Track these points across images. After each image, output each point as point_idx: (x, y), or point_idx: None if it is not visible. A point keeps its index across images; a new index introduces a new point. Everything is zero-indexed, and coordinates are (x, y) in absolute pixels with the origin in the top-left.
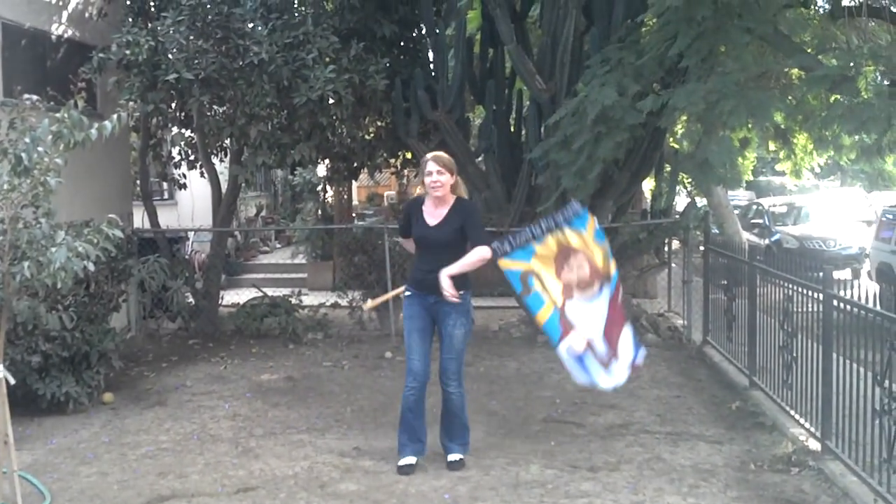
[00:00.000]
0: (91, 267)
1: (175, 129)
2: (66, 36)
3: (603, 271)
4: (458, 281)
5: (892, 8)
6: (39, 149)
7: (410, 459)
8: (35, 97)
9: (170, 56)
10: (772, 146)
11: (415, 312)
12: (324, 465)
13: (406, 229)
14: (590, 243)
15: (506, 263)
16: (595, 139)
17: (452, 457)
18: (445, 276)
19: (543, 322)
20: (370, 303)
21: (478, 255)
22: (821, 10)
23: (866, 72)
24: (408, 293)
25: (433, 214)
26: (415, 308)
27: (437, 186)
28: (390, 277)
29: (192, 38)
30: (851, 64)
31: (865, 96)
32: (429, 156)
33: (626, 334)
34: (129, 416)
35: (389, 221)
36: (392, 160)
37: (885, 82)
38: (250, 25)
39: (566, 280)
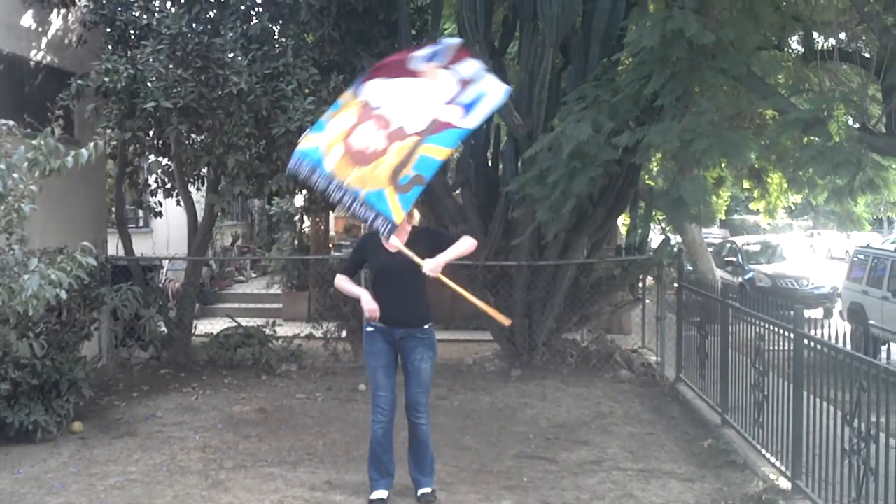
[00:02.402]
0: (63, 294)
1: (152, 157)
2: (44, 62)
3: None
4: (422, 314)
5: (863, 53)
6: (14, 175)
7: (381, 494)
8: (11, 123)
9: (149, 84)
10: (746, 185)
11: (379, 349)
12: (294, 500)
13: (353, 265)
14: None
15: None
16: (570, 174)
17: (423, 490)
18: (435, 262)
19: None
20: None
21: (466, 242)
22: (794, 53)
23: (838, 115)
24: (370, 329)
25: (392, 245)
26: (379, 344)
27: None
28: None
29: (171, 66)
30: (824, 106)
31: (837, 139)
32: None
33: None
34: (99, 445)
35: None
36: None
37: (856, 125)
38: (230, 55)
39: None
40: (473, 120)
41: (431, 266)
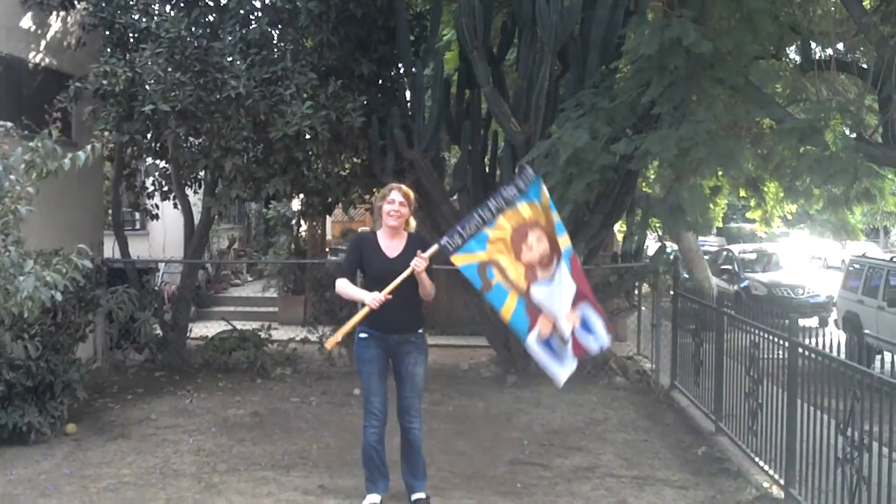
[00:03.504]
0: (59, 296)
1: (149, 160)
2: (43, 64)
3: (559, 243)
4: (415, 320)
5: (860, 63)
6: (11, 177)
7: (375, 499)
8: (9, 124)
9: (147, 87)
10: (742, 193)
11: (373, 355)
12: (287, 503)
13: (352, 265)
14: (544, 213)
15: (460, 259)
16: (567, 180)
17: (417, 496)
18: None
19: (509, 318)
20: (332, 340)
21: (430, 288)
22: (791, 63)
23: (835, 125)
24: (363, 335)
25: (390, 247)
26: (373, 350)
27: (395, 215)
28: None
29: (169, 70)
30: (820, 116)
31: (833, 149)
32: (394, 185)
33: (585, 313)
34: (92, 448)
35: None
36: (367, 197)
37: (853, 135)
38: (229, 59)
39: (527, 261)
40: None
41: (418, 264)
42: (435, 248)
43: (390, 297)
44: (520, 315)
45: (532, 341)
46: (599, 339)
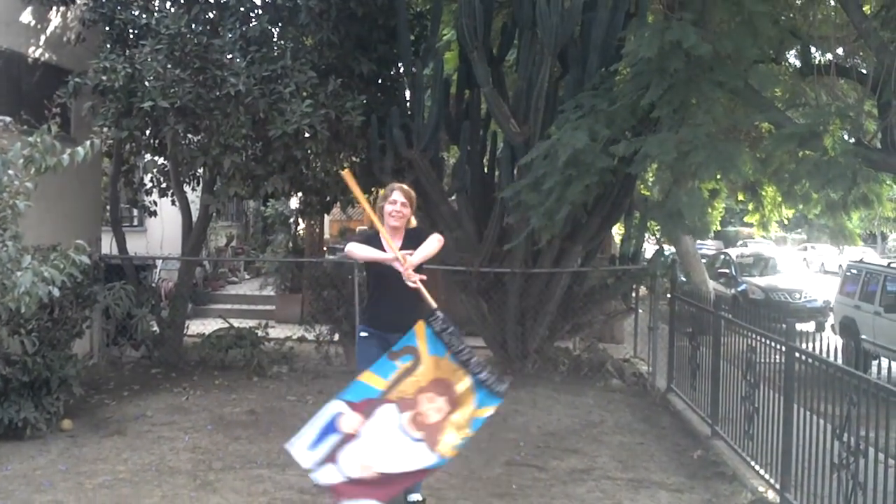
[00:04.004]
0: (56, 292)
1: (148, 157)
2: (42, 59)
3: (440, 443)
4: (417, 319)
5: (860, 69)
6: (10, 172)
7: None
8: (8, 119)
9: (146, 83)
10: (740, 197)
11: (374, 354)
12: (282, 502)
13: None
14: (467, 410)
15: (419, 330)
16: (565, 181)
17: (414, 497)
18: (411, 263)
19: (360, 379)
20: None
21: (434, 240)
22: (791, 67)
23: (833, 129)
24: (364, 333)
25: (391, 247)
26: (374, 349)
27: (397, 216)
28: (359, 313)
29: (169, 66)
30: (820, 121)
31: (832, 153)
32: (396, 185)
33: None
34: (88, 444)
35: None
36: (365, 196)
37: (852, 140)
38: (229, 57)
39: (414, 402)
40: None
41: (408, 271)
42: (433, 243)
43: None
44: (361, 389)
45: (329, 409)
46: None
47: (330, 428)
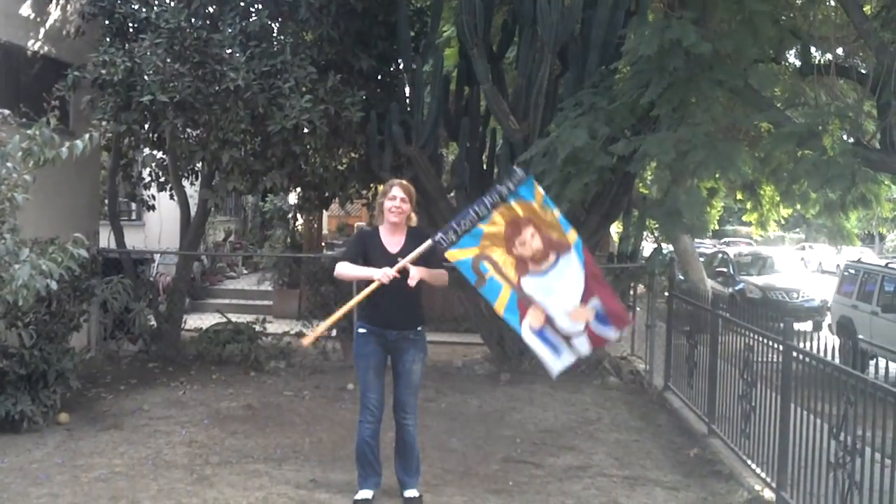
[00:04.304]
0: (54, 285)
1: (147, 151)
2: (42, 52)
3: (557, 239)
4: (415, 317)
5: (859, 69)
6: (8, 164)
7: (367, 494)
8: (7, 112)
9: (145, 77)
10: (738, 196)
11: (371, 350)
12: (279, 497)
13: (354, 256)
14: (539, 212)
15: (454, 254)
16: (564, 179)
17: (410, 492)
18: (414, 267)
19: (503, 311)
20: (308, 339)
21: (443, 274)
22: (791, 67)
23: (833, 129)
24: (362, 330)
25: (392, 243)
26: (371, 346)
27: (397, 212)
28: (357, 310)
29: (168, 60)
30: (819, 121)
31: (831, 153)
32: (395, 181)
33: (593, 306)
34: (84, 437)
35: None
36: (364, 192)
37: (851, 140)
38: (228, 51)
39: (518, 255)
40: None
41: (414, 272)
42: (429, 243)
43: (398, 275)
44: (512, 307)
45: (525, 332)
46: (612, 330)
47: (542, 336)
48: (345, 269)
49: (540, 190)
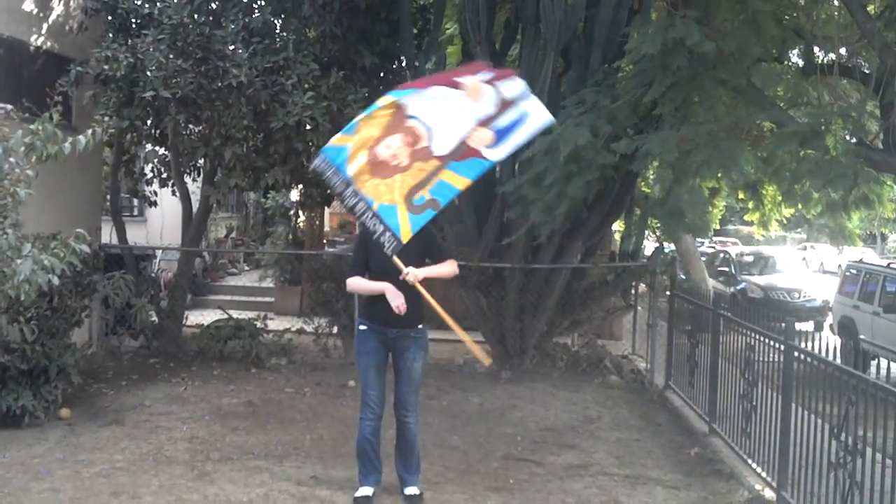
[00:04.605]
0: (55, 280)
1: (149, 147)
2: (44, 48)
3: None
4: (416, 315)
5: (862, 69)
6: (11, 159)
7: (367, 491)
8: (10, 107)
9: (148, 73)
10: (740, 196)
11: (372, 348)
12: (280, 493)
13: (360, 264)
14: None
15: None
16: (566, 177)
17: (410, 490)
18: (416, 272)
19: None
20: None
21: (449, 267)
22: (794, 66)
23: (835, 129)
24: (363, 327)
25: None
26: (372, 343)
27: None
28: (358, 306)
29: (171, 56)
30: (821, 121)
31: (834, 153)
32: None
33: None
34: (85, 433)
35: None
36: None
37: (853, 140)
38: (231, 48)
39: (375, 157)
40: (502, 151)
41: (413, 275)
42: (430, 271)
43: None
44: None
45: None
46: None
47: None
48: (355, 285)
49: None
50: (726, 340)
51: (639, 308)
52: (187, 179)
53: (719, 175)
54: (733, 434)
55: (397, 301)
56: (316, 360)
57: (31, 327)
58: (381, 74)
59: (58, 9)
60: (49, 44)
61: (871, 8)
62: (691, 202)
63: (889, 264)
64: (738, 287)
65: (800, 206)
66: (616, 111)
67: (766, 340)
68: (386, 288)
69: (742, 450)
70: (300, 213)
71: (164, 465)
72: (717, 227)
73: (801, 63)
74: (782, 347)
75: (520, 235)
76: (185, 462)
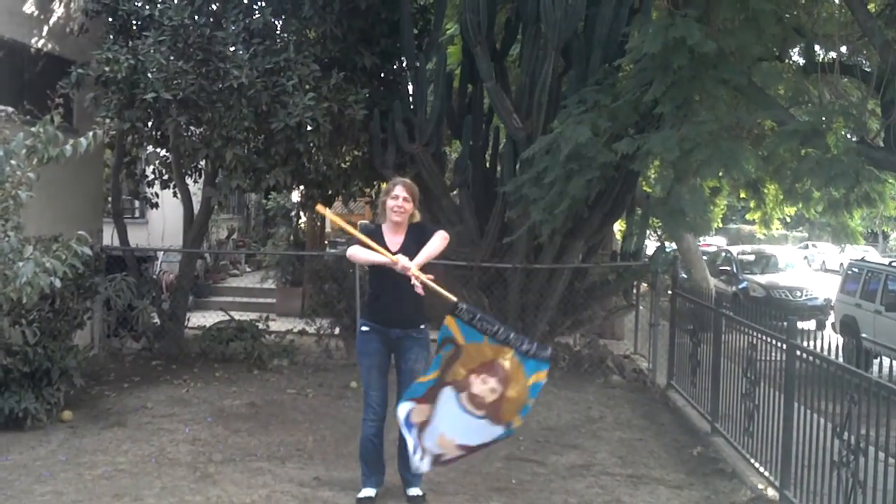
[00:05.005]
0: (57, 283)
1: (150, 148)
2: (45, 50)
3: (504, 416)
4: (420, 314)
5: (863, 67)
6: (12, 162)
7: (370, 492)
8: (10, 109)
9: (149, 75)
10: (742, 195)
11: (374, 349)
12: (282, 495)
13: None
14: (520, 383)
15: (451, 323)
16: (567, 176)
17: (413, 491)
18: (414, 265)
19: (416, 381)
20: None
21: (438, 238)
22: (794, 65)
23: (836, 128)
24: (365, 328)
25: (393, 242)
26: (374, 344)
27: (399, 211)
28: (359, 307)
29: (172, 58)
30: (822, 119)
31: (835, 151)
32: (398, 179)
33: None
34: (88, 435)
35: None
36: (367, 190)
37: (854, 138)
38: (232, 49)
39: (467, 383)
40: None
41: (404, 263)
42: (422, 257)
43: (408, 268)
44: (421, 387)
45: (401, 411)
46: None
47: (408, 426)
48: (358, 251)
49: (542, 377)
50: (728, 339)
51: (640, 307)
52: (188, 181)
53: (720, 174)
54: (736, 433)
55: (404, 263)
56: (318, 362)
57: (34, 329)
58: (382, 75)
59: (58, 11)
60: (50, 46)
61: (871, 6)
62: (692, 201)
63: (891, 263)
64: (740, 286)
65: (801, 204)
66: (617, 110)
67: (769, 339)
68: (387, 255)
69: (745, 449)
70: (301, 214)
71: (167, 466)
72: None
73: (801, 61)
74: (784, 346)
75: (521, 234)
76: (188, 464)
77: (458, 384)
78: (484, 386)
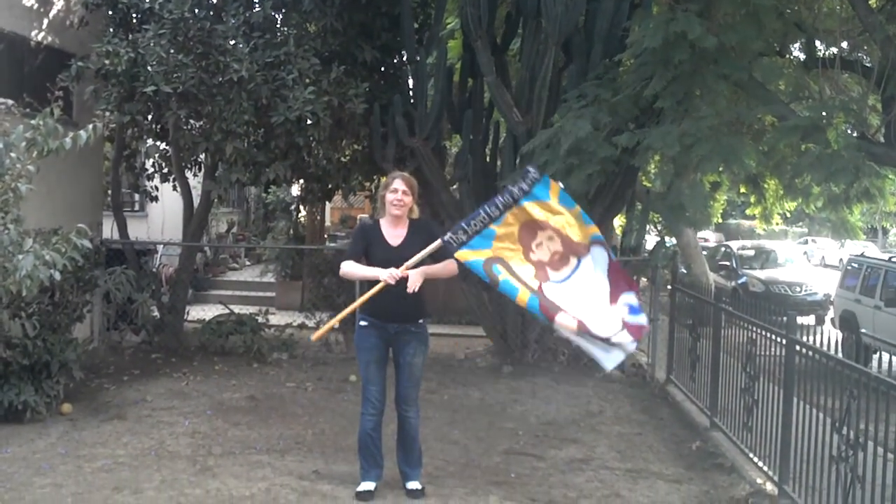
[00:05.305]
0: (57, 276)
1: (150, 142)
2: (45, 42)
3: (579, 240)
4: (417, 309)
5: (864, 62)
6: (12, 154)
7: (369, 485)
8: (10, 102)
9: (149, 68)
10: (742, 190)
11: (373, 343)
12: (281, 488)
13: (358, 252)
14: (556, 210)
15: (465, 255)
16: (567, 170)
17: (412, 484)
18: (414, 272)
19: (525, 305)
20: (316, 335)
21: (447, 268)
22: (795, 60)
23: (837, 123)
24: (363, 323)
25: (393, 235)
26: (372, 339)
27: (399, 205)
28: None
29: (172, 51)
30: (823, 114)
31: (835, 147)
32: (397, 173)
33: (624, 302)
34: (87, 428)
35: None
36: (367, 183)
37: (855, 134)
38: (232, 42)
39: (537, 260)
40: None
41: (413, 278)
42: (438, 243)
43: (406, 273)
44: (535, 306)
45: (561, 330)
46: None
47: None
48: (350, 269)
49: (557, 186)
50: (728, 334)
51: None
52: (188, 174)
53: (721, 169)
54: (735, 428)
55: (394, 273)
56: (317, 355)
57: (33, 322)
58: (382, 69)
59: (58, 4)
60: (50, 39)
61: (872, 1)
62: (692, 196)
63: (891, 258)
64: (740, 281)
65: (801, 199)
66: (617, 105)
67: (768, 334)
68: (379, 273)
69: (743, 444)
70: (301, 207)
71: (166, 459)
72: (720, 220)
73: (802, 57)
74: (784, 341)
75: None
76: (187, 457)
77: (540, 273)
78: (542, 248)
